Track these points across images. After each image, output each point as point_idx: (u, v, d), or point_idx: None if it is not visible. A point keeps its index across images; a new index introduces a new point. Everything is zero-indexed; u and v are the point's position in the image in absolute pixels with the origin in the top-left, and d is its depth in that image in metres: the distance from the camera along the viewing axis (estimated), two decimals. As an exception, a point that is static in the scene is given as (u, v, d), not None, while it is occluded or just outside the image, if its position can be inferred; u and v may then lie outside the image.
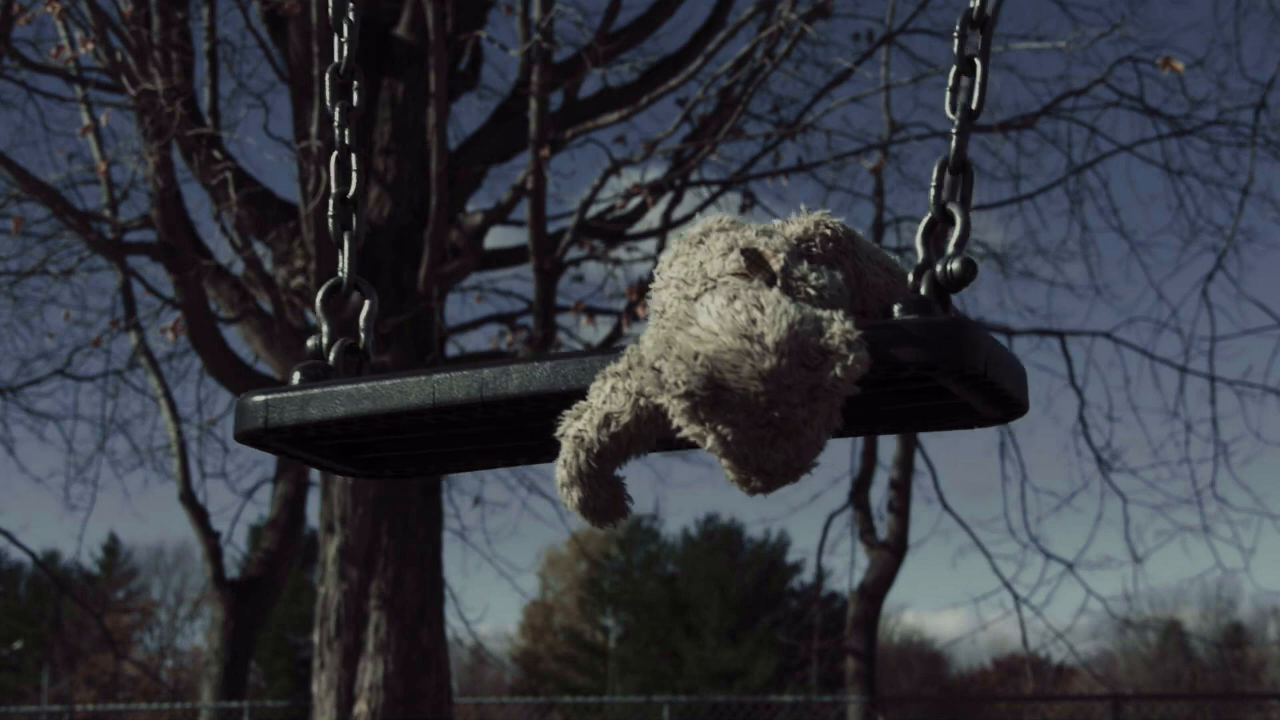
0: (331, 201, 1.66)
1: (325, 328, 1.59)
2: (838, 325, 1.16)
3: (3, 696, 29.99)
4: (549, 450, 1.32)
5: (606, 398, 1.26)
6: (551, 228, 8.14)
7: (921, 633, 38.06)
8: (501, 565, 15.63)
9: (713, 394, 1.15)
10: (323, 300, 1.62)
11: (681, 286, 1.29)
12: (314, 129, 6.72)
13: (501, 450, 1.57)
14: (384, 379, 1.38)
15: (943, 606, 58.33)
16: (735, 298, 1.19)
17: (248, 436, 1.46)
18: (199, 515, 11.90)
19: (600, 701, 21.68)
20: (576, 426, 1.27)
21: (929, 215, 1.32)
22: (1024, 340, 12.81)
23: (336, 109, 1.68)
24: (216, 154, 7.15)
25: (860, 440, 12.87)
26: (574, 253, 8.51)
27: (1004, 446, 12.49)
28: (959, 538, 31.83)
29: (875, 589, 12.87)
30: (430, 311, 7.74)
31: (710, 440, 1.17)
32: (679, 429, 1.18)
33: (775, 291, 1.22)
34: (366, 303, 1.64)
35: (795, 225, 1.37)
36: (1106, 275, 56.33)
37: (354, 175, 1.66)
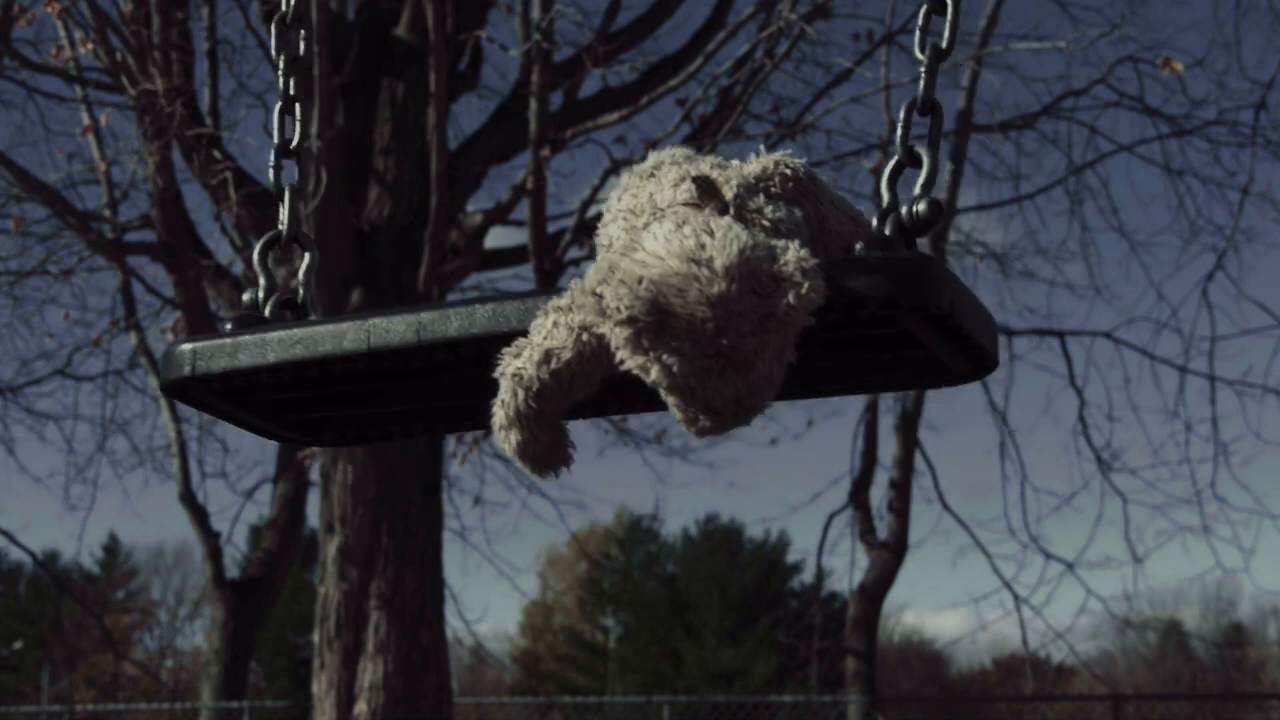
0: (273, 152, 1.61)
1: (262, 281, 1.52)
2: (793, 252, 1.10)
3: (3, 696, 30.00)
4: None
5: (548, 333, 1.18)
6: (551, 228, 8.15)
7: (921, 633, 38.08)
8: (501, 565, 15.66)
9: (657, 320, 1.08)
10: (260, 253, 1.55)
11: (629, 218, 1.23)
12: (314, 129, 6.72)
13: (445, 411, 1.49)
14: (318, 324, 1.32)
15: (943, 606, 58.33)
16: (684, 223, 1.13)
17: (173, 387, 1.38)
18: (199, 515, 11.91)
19: (600, 701, 21.67)
20: (515, 365, 1.20)
21: (895, 158, 1.26)
22: (1024, 340, 12.83)
23: (281, 58, 1.64)
24: (216, 154, 7.15)
25: (860, 440, 12.89)
26: (574, 253, 8.50)
27: (1004, 446, 12.49)
28: (959, 538, 31.82)
29: (875, 589, 12.86)
30: (430, 311, 7.73)
31: (655, 372, 1.09)
32: (622, 361, 1.11)
33: (727, 219, 1.15)
34: (307, 256, 1.57)
35: (754, 164, 1.31)
36: (1106, 275, 56.32)
37: (297, 125, 1.62)
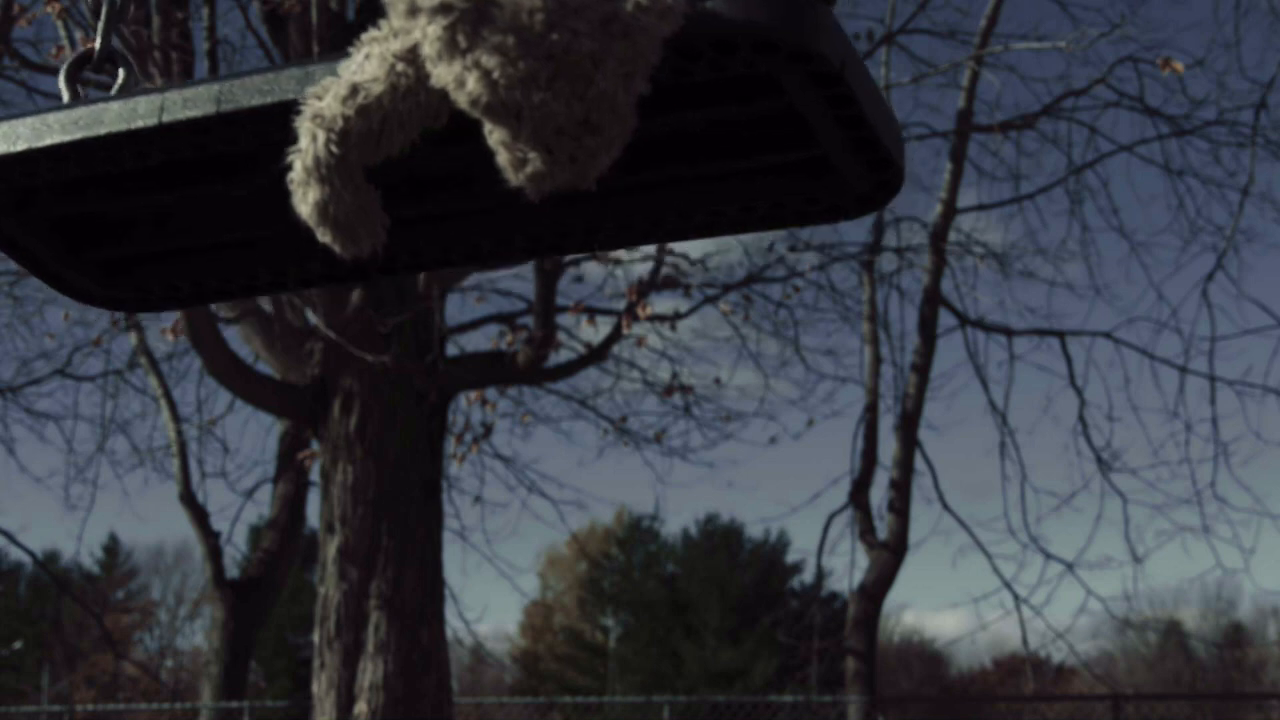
0: None
1: (66, 99, 1.35)
2: None
3: (3, 696, 30.01)
4: (335, 258, 1.04)
5: (358, 67, 0.99)
6: (551, 228, 8.13)
7: (921, 633, 38.09)
8: (501, 565, 15.71)
9: (475, 7, 0.90)
10: (68, 72, 1.40)
11: None
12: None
13: (269, 248, 1.29)
14: (109, 100, 1.15)
15: (943, 606, 58.26)
16: None
17: None
18: (199, 515, 11.92)
19: (600, 701, 21.66)
20: (316, 106, 0.99)
21: None
22: (1024, 340, 12.84)
23: None
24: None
25: (860, 440, 12.89)
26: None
27: (1004, 446, 12.51)
28: (959, 538, 31.88)
29: (875, 589, 12.86)
30: (430, 311, 7.74)
31: (472, 82, 0.91)
32: (439, 78, 0.93)
33: None
34: (121, 73, 1.41)
35: None
36: (1106, 275, 56.23)
37: None
